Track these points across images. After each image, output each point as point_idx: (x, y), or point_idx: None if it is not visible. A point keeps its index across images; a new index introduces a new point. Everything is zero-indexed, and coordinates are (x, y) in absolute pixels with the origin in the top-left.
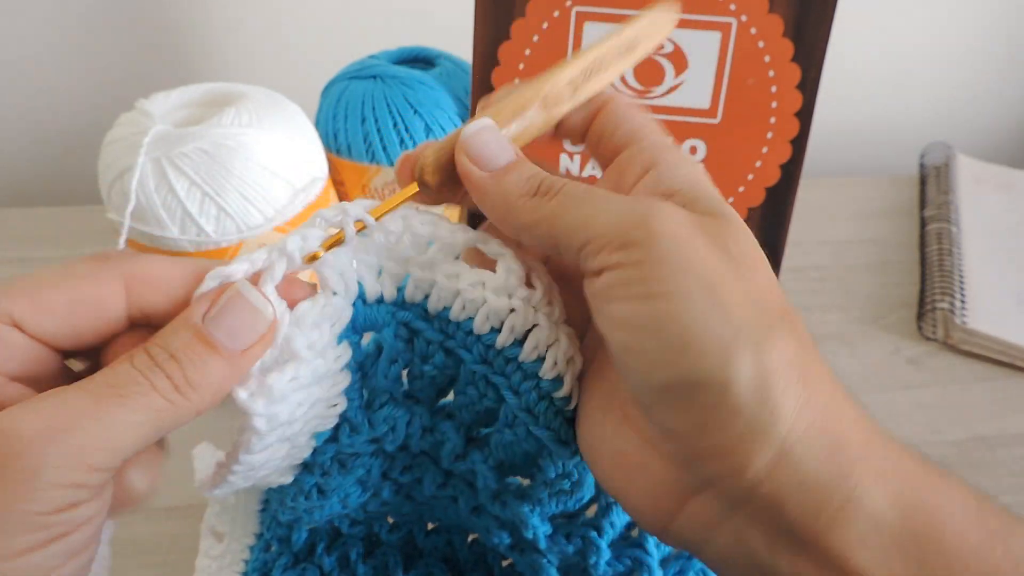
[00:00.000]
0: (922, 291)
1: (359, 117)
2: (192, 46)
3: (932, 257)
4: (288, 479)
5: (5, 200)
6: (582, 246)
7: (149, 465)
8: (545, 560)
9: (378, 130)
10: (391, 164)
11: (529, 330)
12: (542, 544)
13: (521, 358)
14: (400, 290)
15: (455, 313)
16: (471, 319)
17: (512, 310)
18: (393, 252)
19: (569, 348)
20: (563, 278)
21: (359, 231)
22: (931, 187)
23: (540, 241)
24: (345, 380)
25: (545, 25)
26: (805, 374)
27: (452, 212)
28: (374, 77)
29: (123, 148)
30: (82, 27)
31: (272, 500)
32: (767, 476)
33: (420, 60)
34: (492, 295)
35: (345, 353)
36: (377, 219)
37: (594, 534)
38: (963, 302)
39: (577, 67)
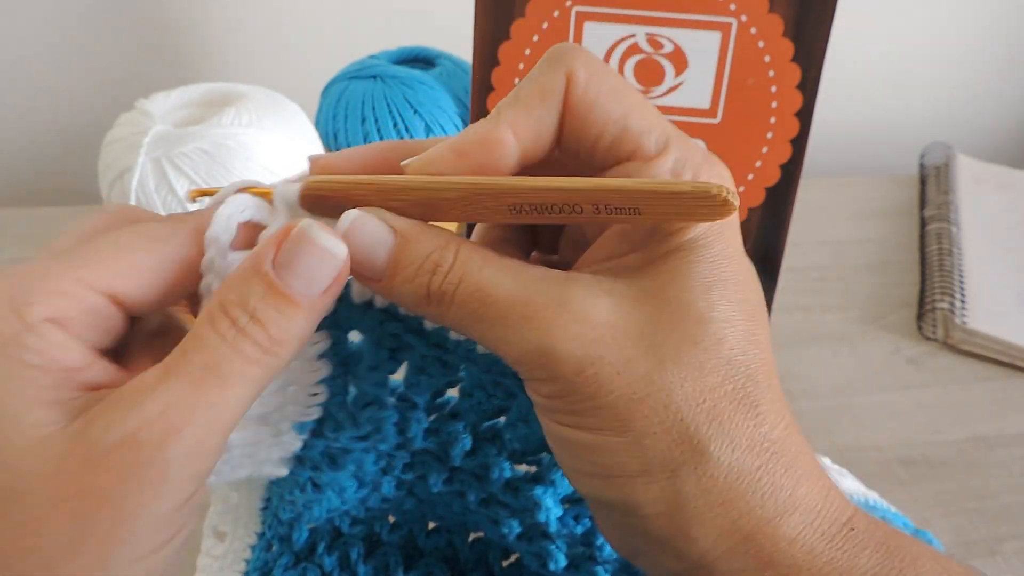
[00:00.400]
0: (922, 291)
1: (359, 117)
2: (192, 46)
3: (932, 257)
4: (284, 471)
5: (5, 200)
6: (499, 357)
7: None
8: (553, 546)
9: (378, 130)
10: None
11: None
12: (553, 527)
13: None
14: None
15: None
16: None
17: None
18: None
19: None
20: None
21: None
22: (931, 187)
23: None
24: (323, 369)
25: (545, 25)
26: (734, 496)
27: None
28: (374, 77)
29: (123, 148)
30: (82, 27)
31: (273, 497)
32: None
33: (420, 60)
34: None
35: (323, 341)
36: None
37: None
38: (963, 302)
39: (528, 196)
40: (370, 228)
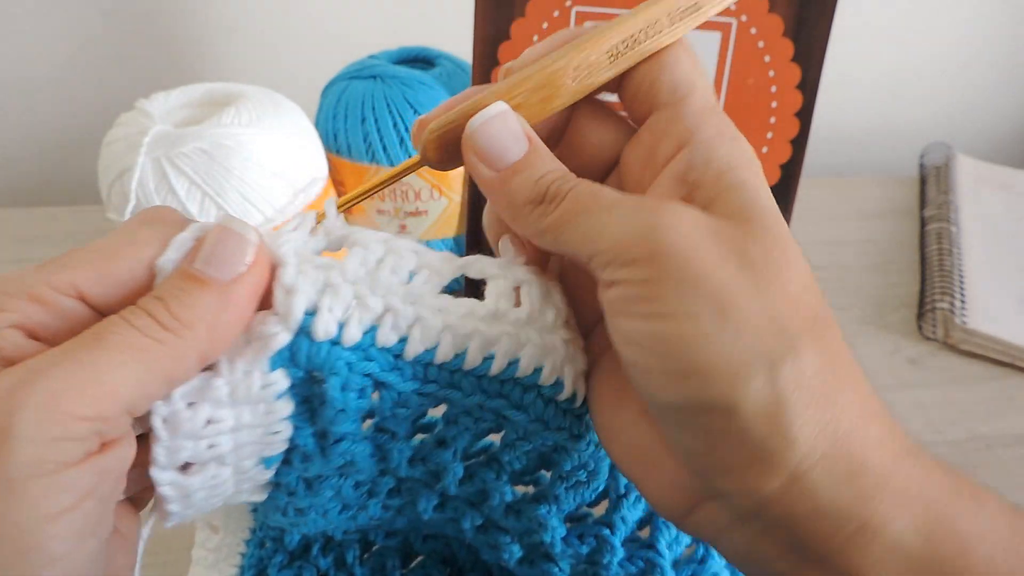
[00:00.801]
0: (922, 291)
1: (359, 117)
2: (192, 46)
3: (932, 257)
4: (262, 496)
5: (5, 200)
6: (589, 259)
7: None
8: (556, 568)
9: (378, 130)
10: (391, 164)
11: (522, 346)
12: (557, 548)
13: (518, 375)
14: (368, 333)
15: (442, 354)
16: (460, 356)
17: (506, 334)
18: (369, 282)
19: (566, 351)
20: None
21: (319, 220)
22: (931, 187)
23: (549, 248)
24: (284, 408)
25: (545, 25)
26: (827, 394)
27: (450, 222)
28: (374, 77)
29: (123, 148)
30: (82, 27)
31: (259, 508)
32: (778, 500)
33: (420, 60)
34: (483, 325)
35: (280, 381)
36: (380, 187)
37: (607, 531)
38: (963, 302)
39: (620, 33)
40: (513, 124)
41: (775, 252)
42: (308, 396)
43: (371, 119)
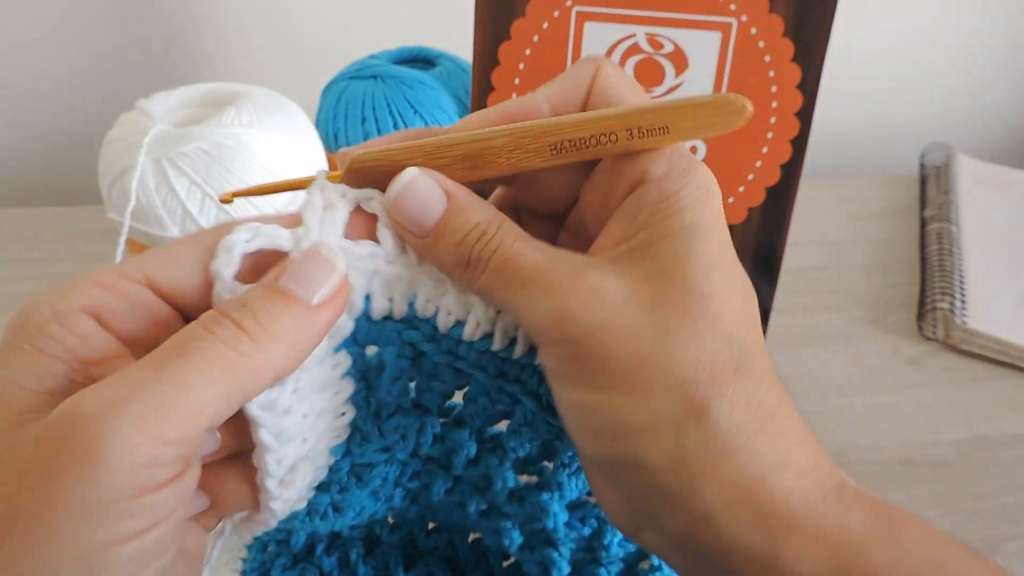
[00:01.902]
0: (922, 291)
1: (359, 117)
2: (192, 46)
3: (932, 257)
4: (301, 505)
5: (5, 200)
6: (518, 325)
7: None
8: (557, 554)
9: (378, 130)
10: None
11: None
12: (560, 533)
13: (537, 362)
14: (411, 305)
15: (469, 331)
16: (488, 336)
17: None
18: (405, 259)
19: None
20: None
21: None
22: (931, 187)
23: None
24: (348, 388)
25: (545, 25)
26: (736, 448)
27: None
28: (374, 77)
29: (123, 148)
30: (83, 27)
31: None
32: (694, 536)
33: (420, 60)
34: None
35: (344, 361)
36: (272, 191)
37: None
38: (963, 302)
39: (568, 134)
40: (425, 188)
41: (694, 312)
42: (365, 372)
43: (371, 119)
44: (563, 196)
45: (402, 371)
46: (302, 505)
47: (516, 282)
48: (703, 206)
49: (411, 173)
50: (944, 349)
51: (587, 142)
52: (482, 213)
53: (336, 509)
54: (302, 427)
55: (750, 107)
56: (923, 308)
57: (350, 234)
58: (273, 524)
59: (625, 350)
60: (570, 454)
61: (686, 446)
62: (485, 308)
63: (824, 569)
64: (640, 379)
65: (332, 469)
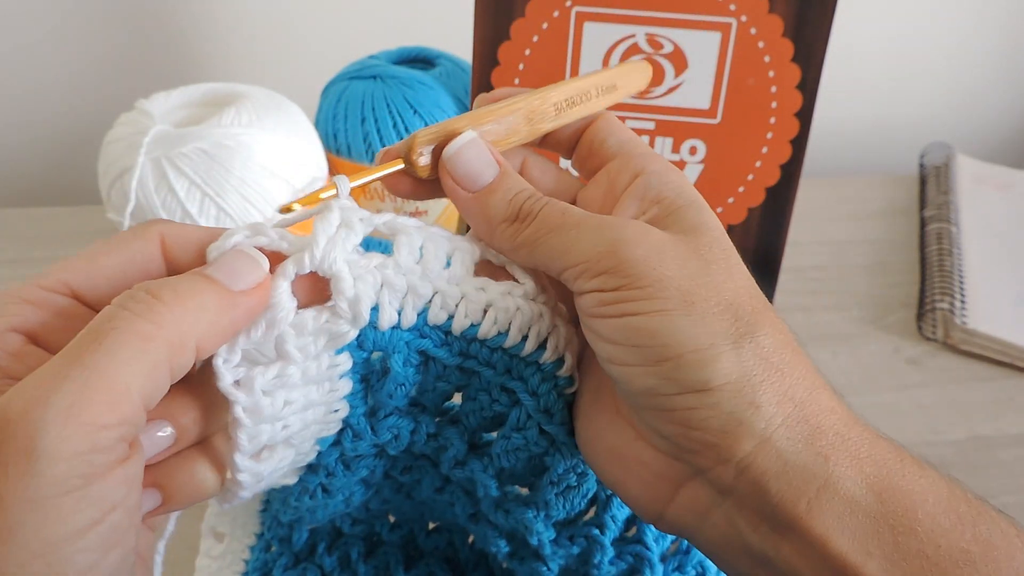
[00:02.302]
0: (922, 291)
1: (359, 117)
2: (192, 46)
3: (932, 257)
4: (292, 480)
5: (5, 200)
6: (561, 272)
7: (219, 458)
8: (545, 568)
9: (378, 130)
10: None
11: (549, 332)
12: (547, 550)
13: (543, 360)
14: (421, 315)
15: (485, 329)
16: (502, 334)
17: (540, 315)
18: (420, 270)
19: (577, 344)
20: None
21: (325, 198)
22: (931, 187)
23: (523, 263)
24: (345, 387)
25: (545, 25)
26: (782, 368)
27: (450, 222)
28: (374, 77)
29: (123, 148)
30: (82, 27)
31: (274, 500)
32: (750, 465)
33: (420, 60)
34: (523, 302)
35: (345, 363)
36: (367, 182)
37: (596, 532)
38: (963, 302)
39: (562, 93)
40: (483, 149)
41: (723, 257)
42: (367, 374)
43: (371, 119)
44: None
45: (407, 378)
46: (292, 480)
47: (567, 224)
48: (699, 195)
49: (471, 134)
50: (944, 349)
51: (573, 100)
52: (526, 183)
53: (325, 491)
54: (282, 412)
55: (651, 71)
56: (923, 308)
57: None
58: (243, 495)
59: (679, 274)
60: (560, 471)
61: (746, 362)
62: (504, 307)
63: (867, 491)
64: (696, 300)
65: (320, 454)
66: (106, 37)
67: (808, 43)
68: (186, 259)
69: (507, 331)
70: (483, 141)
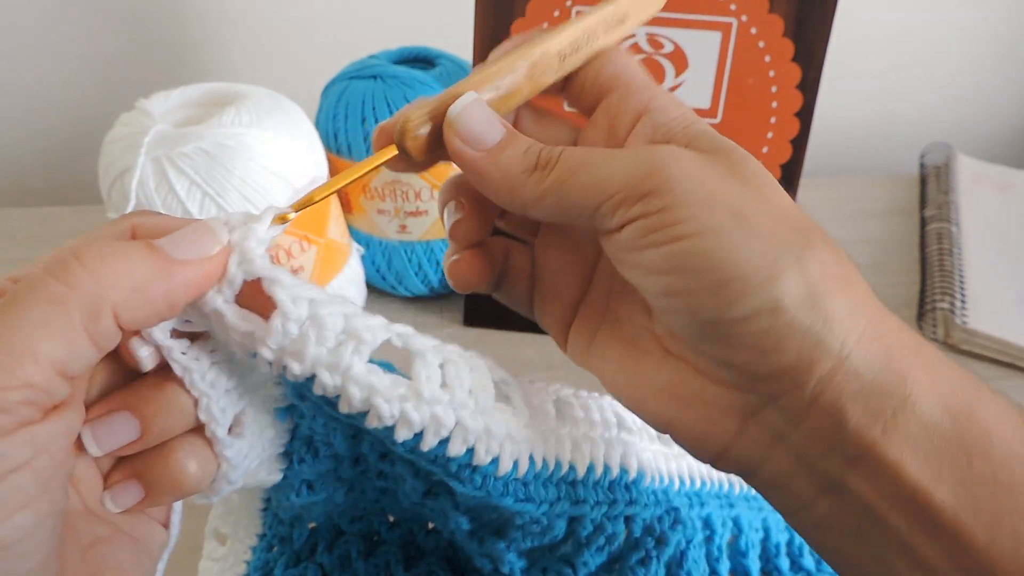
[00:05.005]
0: (922, 291)
1: (359, 117)
2: (192, 46)
3: (932, 257)
4: (277, 476)
5: (5, 200)
6: (595, 209)
7: (202, 451)
8: None
9: None
10: None
11: (453, 428)
12: None
13: (449, 455)
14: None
15: (370, 421)
16: (389, 428)
17: (433, 416)
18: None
19: (500, 429)
20: (557, 231)
21: (289, 212)
22: (931, 187)
23: (548, 213)
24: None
25: (545, 25)
26: (847, 280)
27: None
28: (374, 77)
29: (123, 148)
30: (83, 27)
31: (273, 499)
32: (827, 386)
33: (420, 60)
34: (411, 408)
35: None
36: (350, 183)
37: (568, 571)
38: (963, 302)
39: (565, 39)
40: (486, 110)
41: (760, 173)
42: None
43: (371, 119)
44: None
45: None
46: (277, 478)
47: (593, 161)
48: (705, 122)
49: (472, 95)
50: (944, 349)
51: (580, 43)
52: (530, 140)
53: (309, 487)
54: (229, 376)
55: None
56: (923, 308)
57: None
58: (235, 480)
59: (726, 192)
60: (522, 523)
61: (812, 276)
62: (386, 408)
63: (943, 413)
64: (750, 215)
65: (292, 437)
66: (106, 37)
67: (808, 43)
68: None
69: (392, 427)
70: (484, 102)
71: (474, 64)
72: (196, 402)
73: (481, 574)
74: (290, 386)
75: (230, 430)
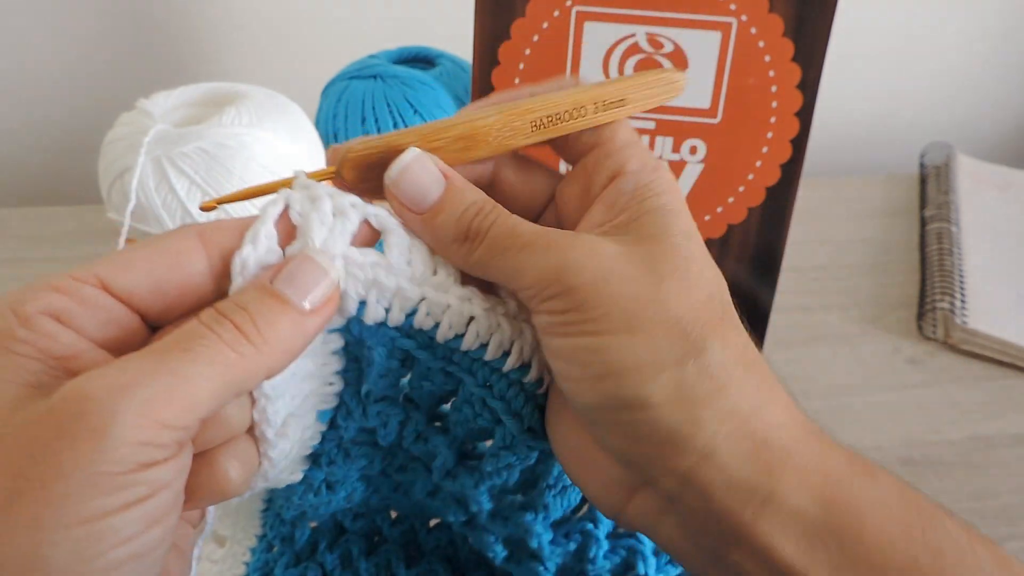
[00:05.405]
0: (922, 291)
1: (359, 117)
2: (193, 46)
3: (932, 257)
4: (298, 476)
5: (5, 200)
6: (514, 292)
7: (243, 455)
8: (542, 568)
9: (378, 130)
10: None
11: (533, 352)
12: (545, 551)
13: (526, 380)
14: (408, 316)
15: (468, 342)
16: (484, 347)
17: (522, 332)
18: (409, 272)
19: None
20: None
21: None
22: (931, 187)
23: (480, 277)
24: (337, 363)
25: (545, 25)
26: (729, 384)
27: None
28: (374, 77)
29: (123, 148)
30: (83, 27)
31: (277, 498)
32: (694, 476)
33: (420, 60)
34: (505, 321)
35: (336, 341)
36: (252, 195)
37: (591, 526)
38: (963, 302)
39: (547, 109)
40: (426, 167)
41: (682, 267)
42: (358, 356)
43: (371, 119)
44: (537, 200)
45: (390, 370)
46: (297, 477)
47: (515, 246)
48: (673, 193)
49: (412, 153)
50: (944, 349)
51: (561, 116)
52: (477, 194)
53: (329, 486)
54: (290, 384)
55: (683, 81)
56: (923, 308)
57: (354, 241)
58: (270, 479)
59: (625, 295)
60: (556, 474)
61: (687, 380)
62: (487, 321)
63: (813, 502)
64: (641, 320)
65: (323, 439)
66: (106, 37)
67: (808, 43)
68: (228, 243)
69: (487, 344)
70: (427, 156)
71: (474, 65)
72: (254, 403)
73: (482, 573)
74: (383, 345)
75: (278, 431)
